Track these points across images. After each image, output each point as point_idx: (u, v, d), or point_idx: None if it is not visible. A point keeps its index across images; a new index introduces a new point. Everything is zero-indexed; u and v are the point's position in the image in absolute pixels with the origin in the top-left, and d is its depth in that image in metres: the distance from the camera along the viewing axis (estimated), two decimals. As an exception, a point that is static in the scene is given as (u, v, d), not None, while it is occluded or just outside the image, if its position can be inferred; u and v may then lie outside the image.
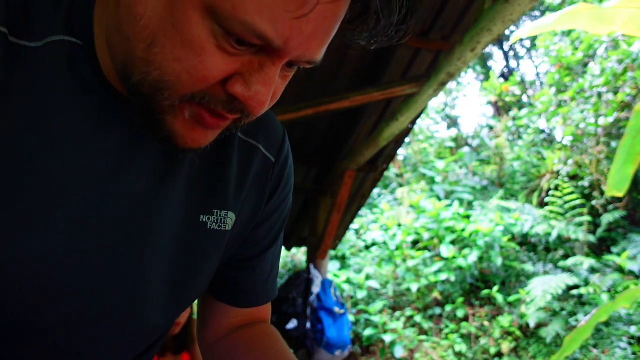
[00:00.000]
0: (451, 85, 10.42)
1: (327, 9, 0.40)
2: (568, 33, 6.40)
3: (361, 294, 5.50)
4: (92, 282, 0.51)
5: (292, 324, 4.07)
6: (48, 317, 0.50)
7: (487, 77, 10.79)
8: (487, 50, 11.74)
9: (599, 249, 5.43)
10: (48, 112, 0.46)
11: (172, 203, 0.56)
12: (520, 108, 8.41)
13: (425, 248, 6.00)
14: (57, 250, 0.48)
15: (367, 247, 6.81)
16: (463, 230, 5.56)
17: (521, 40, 10.63)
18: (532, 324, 4.55)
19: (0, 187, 0.44)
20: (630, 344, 4.08)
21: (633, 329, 4.11)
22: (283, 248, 3.83)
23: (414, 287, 5.31)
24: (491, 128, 9.21)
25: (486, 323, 4.98)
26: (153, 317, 0.58)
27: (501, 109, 9.07)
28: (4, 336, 0.50)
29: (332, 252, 5.96)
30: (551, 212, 5.68)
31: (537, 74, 10.64)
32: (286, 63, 0.45)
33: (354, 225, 7.03)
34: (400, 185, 7.95)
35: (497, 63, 14.67)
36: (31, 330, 0.50)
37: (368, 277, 5.86)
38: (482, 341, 4.81)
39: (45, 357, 0.53)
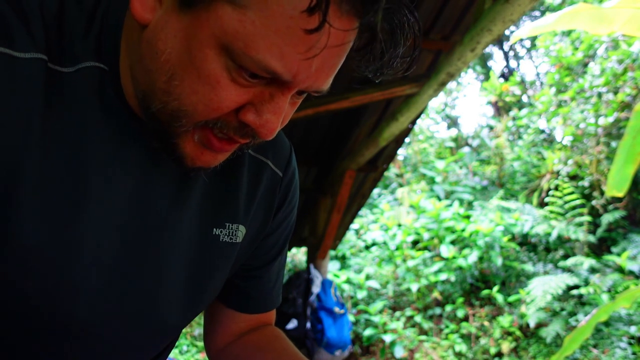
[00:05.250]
0: (451, 85, 10.42)
1: (335, 49, 0.43)
2: (568, 33, 6.40)
3: (361, 294, 5.50)
4: (116, 286, 0.56)
5: (292, 324, 4.07)
6: (75, 317, 0.54)
7: (487, 77, 10.79)
8: (487, 50, 11.73)
9: (599, 249, 5.43)
10: (79, 133, 0.50)
11: (187, 217, 0.60)
12: (520, 108, 8.41)
13: (425, 248, 5.99)
14: (85, 258, 0.52)
15: (367, 247, 6.80)
16: (463, 230, 5.56)
17: (521, 40, 10.63)
18: (532, 324, 4.55)
19: (39, 201, 0.48)
20: (630, 344, 4.08)
21: (633, 329, 4.11)
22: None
23: (414, 287, 5.31)
24: (491, 128, 9.20)
25: (486, 323, 4.98)
26: (170, 319, 0.62)
27: (501, 109, 9.07)
28: (30, 337, 0.54)
29: (332, 252, 5.96)
30: (551, 212, 5.68)
31: (537, 74, 10.64)
32: (296, 91, 0.48)
33: (354, 225, 7.02)
34: (400, 185, 7.94)
35: (497, 63, 14.67)
36: (59, 330, 0.54)
37: (368, 277, 5.85)
38: (482, 341, 4.81)
39: (73, 356, 0.57)
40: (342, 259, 6.49)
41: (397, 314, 5.44)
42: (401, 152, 8.84)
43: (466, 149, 8.61)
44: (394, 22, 0.43)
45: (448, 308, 5.23)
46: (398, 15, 0.43)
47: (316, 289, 4.15)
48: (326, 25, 0.40)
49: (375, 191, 7.93)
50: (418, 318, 5.23)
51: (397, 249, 5.98)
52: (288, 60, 0.42)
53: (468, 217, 5.88)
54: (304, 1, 0.39)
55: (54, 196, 0.49)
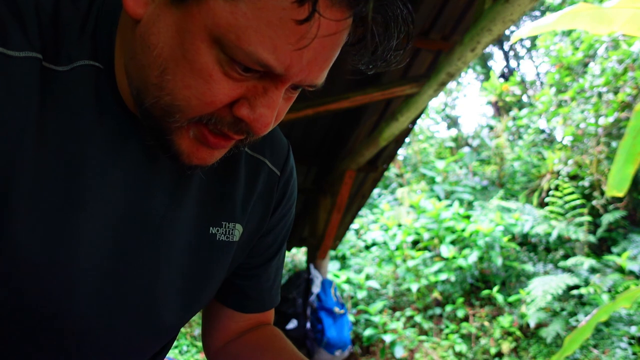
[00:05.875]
0: (451, 85, 10.41)
1: (326, 40, 0.43)
2: (568, 33, 6.40)
3: (361, 294, 5.50)
4: (113, 286, 0.56)
5: (292, 324, 4.07)
6: (73, 317, 0.54)
7: (487, 77, 10.79)
8: (487, 50, 11.73)
9: (599, 249, 5.43)
10: (75, 132, 0.50)
11: (183, 216, 0.60)
12: (520, 108, 8.41)
13: (425, 248, 5.99)
14: (81, 257, 0.52)
15: (367, 247, 6.80)
16: (463, 230, 5.56)
17: (521, 40, 10.63)
18: (532, 324, 4.55)
19: (35, 201, 0.49)
20: (630, 344, 4.08)
21: (633, 329, 4.10)
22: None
23: (414, 287, 5.31)
24: (491, 128, 9.20)
25: (486, 323, 4.98)
26: (167, 319, 0.62)
27: (501, 109, 9.07)
28: (27, 336, 0.54)
29: (332, 252, 5.96)
30: (551, 212, 5.68)
31: (537, 74, 10.63)
32: (290, 86, 0.48)
33: (354, 225, 7.02)
34: (400, 185, 7.94)
35: (497, 63, 14.66)
36: (58, 330, 0.55)
37: (368, 277, 5.85)
38: (482, 341, 4.81)
39: (71, 355, 0.57)
40: (342, 259, 6.49)
41: (397, 314, 5.44)
42: (401, 152, 8.84)
43: (466, 149, 8.61)
44: (387, 15, 0.43)
45: (448, 308, 5.23)
46: (391, 7, 0.43)
47: (316, 289, 4.15)
48: (316, 16, 0.40)
49: (375, 191, 7.93)
50: (418, 318, 5.23)
51: (397, 249, 5.98)
52: (280, 52, 0.42)
53: (468, 217, 5.88)
54: None
55: (50, 195, 0.49)
